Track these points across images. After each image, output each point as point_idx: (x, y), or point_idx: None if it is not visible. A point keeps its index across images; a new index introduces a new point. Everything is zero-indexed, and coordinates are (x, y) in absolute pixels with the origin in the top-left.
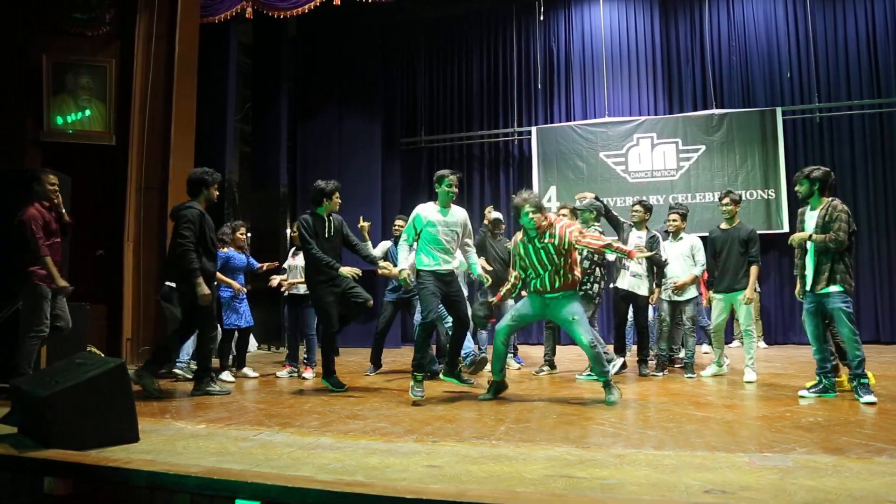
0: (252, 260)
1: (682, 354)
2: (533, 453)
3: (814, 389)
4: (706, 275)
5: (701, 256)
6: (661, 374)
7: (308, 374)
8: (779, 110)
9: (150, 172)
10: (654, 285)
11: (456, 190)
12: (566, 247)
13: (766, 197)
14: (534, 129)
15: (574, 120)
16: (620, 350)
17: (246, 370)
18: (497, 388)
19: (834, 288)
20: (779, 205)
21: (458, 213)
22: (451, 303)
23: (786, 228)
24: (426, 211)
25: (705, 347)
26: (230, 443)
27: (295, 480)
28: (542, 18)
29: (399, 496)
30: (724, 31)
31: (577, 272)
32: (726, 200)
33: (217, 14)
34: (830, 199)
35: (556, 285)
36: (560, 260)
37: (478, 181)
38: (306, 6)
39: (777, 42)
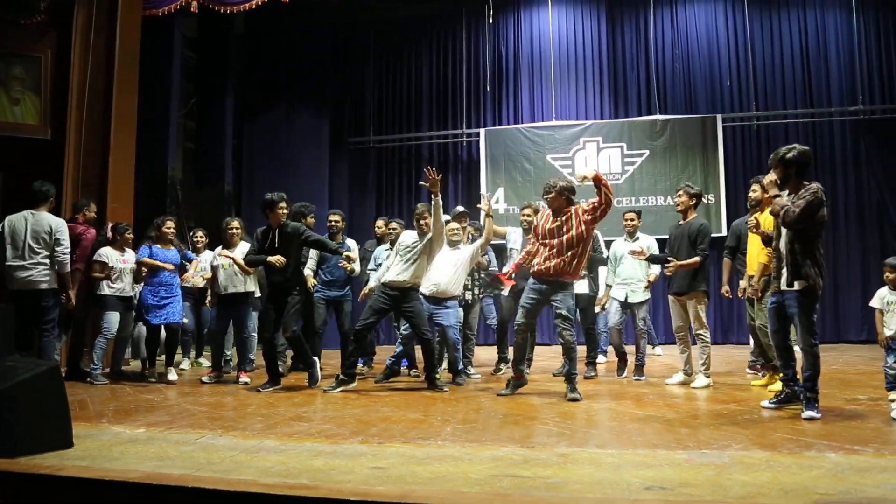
0: (189, 252)
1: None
2: (478, 453)
3: (776, 400)
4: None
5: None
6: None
7: (245, 378)
8: (719, 117)
9: (88, 169)
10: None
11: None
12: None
13: (706, 201)
14: (482, 131)
15: (522, 122)
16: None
17: (169, 372)
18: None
19: (796, 285)
20: (718, 209)
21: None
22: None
23: (724, 232)
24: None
25: (658, 350)
26: (170, 447)
27: (237, 484)
28: (491, 22)
29: (344, 498)
30: (667, 39)
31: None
32: (679, 192)
33: (161, 7)
34: (809, 182)
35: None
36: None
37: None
38: (254, 2)
39: (718, 52)
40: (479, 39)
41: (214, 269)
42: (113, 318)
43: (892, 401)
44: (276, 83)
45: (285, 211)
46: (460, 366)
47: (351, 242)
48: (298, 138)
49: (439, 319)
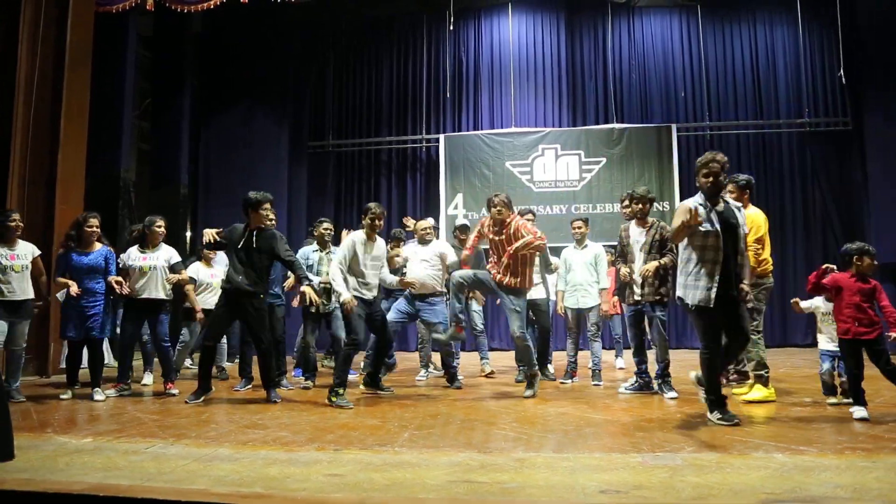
0: (111, 257)
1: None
2: (435, 459)
3: (630, 387)
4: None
5: (603, 267)
6: (570, 381)
7: (174, 389)
8: (674, 127)
9: (35, 167)
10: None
11: (378, 223)
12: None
13: (661, 209)
14: (442, 137)
15: (481, 129)
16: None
17: (95, 392)
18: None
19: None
20: (673, 216)
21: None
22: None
23: None
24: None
25: (619, 362)
26: (119, 457)
27: (189, 494)
28: (451, 28)
29: None
30: (624, 50)
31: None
32: (626, 203)
33: (115, 3)
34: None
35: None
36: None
37: (385, 187)
38: (212, 2)
39: (673, 64)
40: (440, 46)
41: (129, 269)
42: None
43: (831, 404)
44: (234, 84)
45: (270, 214)
46: (455, 363)
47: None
48: (257, 141)
49: (426, 317)
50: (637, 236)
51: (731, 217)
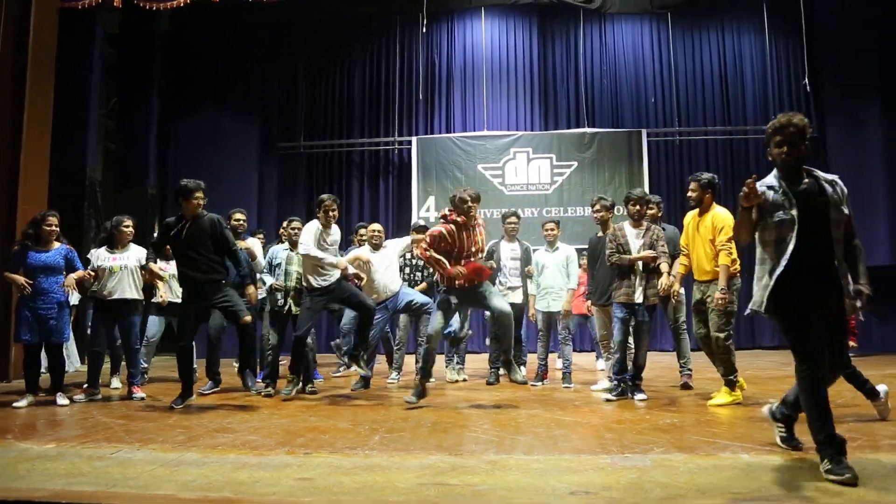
0: (73, 255)
1: (559, 364)
2: (406, 462)
3: (614, 394)
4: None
5: (574, 268)
6: (540, 383)
7: (140, 393)
8: (644, 132)
9: None
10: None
11: (333, 214)
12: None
13: None
14: (414, 140)
15: (454, 132)
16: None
17: (58, 396)
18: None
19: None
20: None
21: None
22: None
23: None
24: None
25: (601, 363)
26: (83, 462)
27: (155, 500)
28: (424, 31)
29: None
30: (596, 56)
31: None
32: (597, 207)
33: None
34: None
35: None
36: None
37: (357, 188)
38: None
39: (643, 70)
40: (413, 47)
41: (99, 270)
42: None
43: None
44: (203, 83)
45: (201, 202)
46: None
47: (253, 241)
48: (227, 141)
49: (395, 304)
50: (633, 238)
51: (816, 195)
